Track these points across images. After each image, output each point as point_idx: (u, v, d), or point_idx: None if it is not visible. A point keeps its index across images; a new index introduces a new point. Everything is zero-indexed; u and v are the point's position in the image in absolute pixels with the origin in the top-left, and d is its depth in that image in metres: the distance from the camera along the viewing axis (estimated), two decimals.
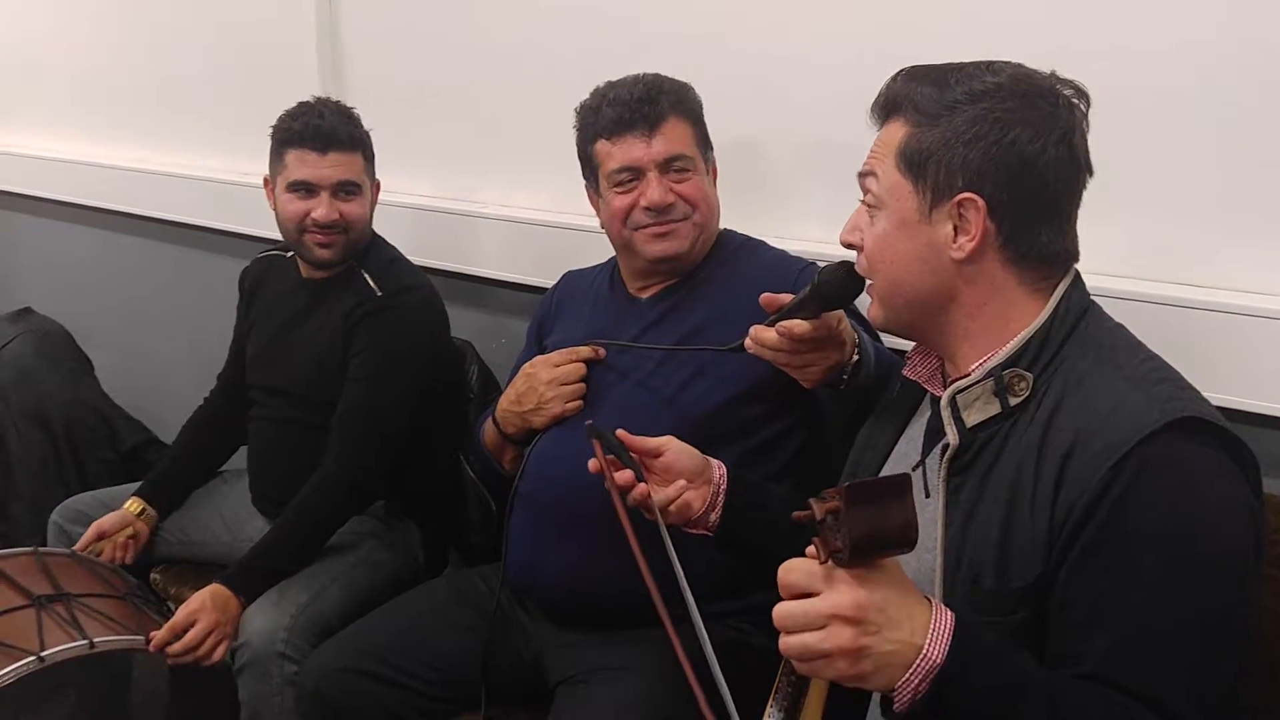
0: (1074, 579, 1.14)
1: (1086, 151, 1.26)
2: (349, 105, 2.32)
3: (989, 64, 1.25)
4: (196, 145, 3.36)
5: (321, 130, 2.22)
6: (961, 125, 1.22)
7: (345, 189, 2.24)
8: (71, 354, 3.45)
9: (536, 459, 1.89)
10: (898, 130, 1.27)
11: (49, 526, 2.46)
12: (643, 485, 1.47)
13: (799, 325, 1.47)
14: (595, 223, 1.97)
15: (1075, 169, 1.24)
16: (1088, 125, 1.26)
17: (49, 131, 3.97)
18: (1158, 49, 1.63)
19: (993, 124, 1.21)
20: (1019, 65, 1.26)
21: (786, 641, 1.09)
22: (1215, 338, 1.59)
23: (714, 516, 1.54)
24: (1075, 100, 1.24)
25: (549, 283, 2.18)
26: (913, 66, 1.29)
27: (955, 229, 1.24)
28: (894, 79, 1.30)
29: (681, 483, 1.51)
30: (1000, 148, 1.21)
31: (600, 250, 2.02)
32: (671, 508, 1.50)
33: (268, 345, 2.42)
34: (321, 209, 2.22)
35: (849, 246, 1.36)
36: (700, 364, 1.82)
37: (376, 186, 2.33)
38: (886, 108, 1.30)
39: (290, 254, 2.40)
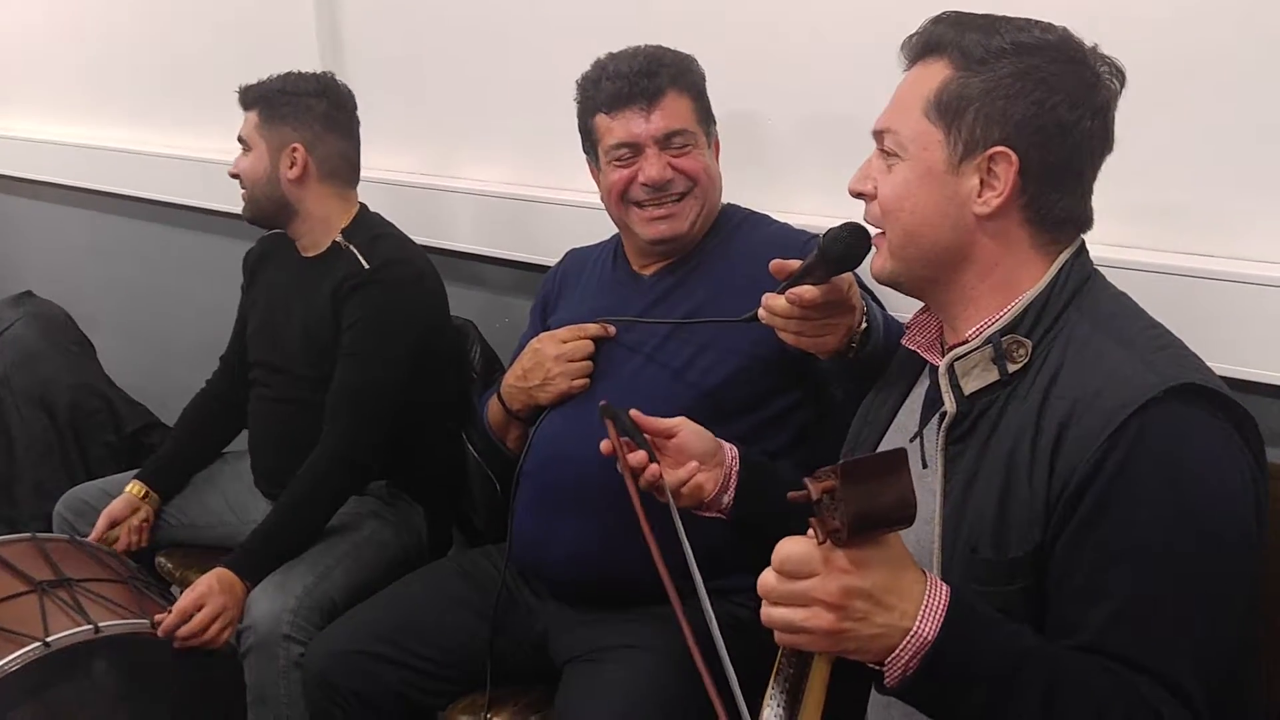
0: (1072, 549, 1.13)
1: (1113, 129, 1.25)
2: (335, 78, 2.37)
3: (1037, 21, 1.24)
4: (196, 126, 3.34)
5: (240, 93, 2.37)
6: (1006, 76, 1.20)
7: (242, 144, 2.37)
8: (73, 337, 3.44)
9: (542, 437, 1.88)
10: (936, 73, 1.24)
11: (54, 518, 2.46)
12: (655, 466, 1.46)
13: (809, 290, 1.45)
14: (599, 199, 1.95)
15: (1103, 144, 1.24)
16: (1117, 103, 1.25)
17: (47, 114, 3.96)
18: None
19: (1037, 83, 1.19)
20: (1067, 29, 1.24)
21: (768, 613, 1.09)
22: (1220, 306, 1.58)
23: (727, 498, 1.53)
24: (1111, 78, 1.23)
25: (552, 261, 2.17)
26: (956, 11, 1.27)
27: (981, 183, 1.22)
28: (936, 21, 1.27)
29: (694, 464, 1.50)
30: (1041, 108, 1.19)
31: (604, 226, 2.01)
32: (684, 490, 1.48)
33: (264, 323, 2.42)
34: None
35: (858, 196, 1.33)
36: (707, 337, 1.81)
37: (295, 151, 2.29)
38: (925, 48, 1.27)
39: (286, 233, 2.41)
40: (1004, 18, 1.24)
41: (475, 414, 2.16)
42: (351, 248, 2.27)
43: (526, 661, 1.87)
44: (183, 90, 3.38)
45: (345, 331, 2.22)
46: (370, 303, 2.21)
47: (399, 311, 2.22)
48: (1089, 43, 1.24)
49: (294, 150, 2.30)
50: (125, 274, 3.78)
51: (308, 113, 2.31)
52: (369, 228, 2.33)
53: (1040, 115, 1.19)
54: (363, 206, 2.37)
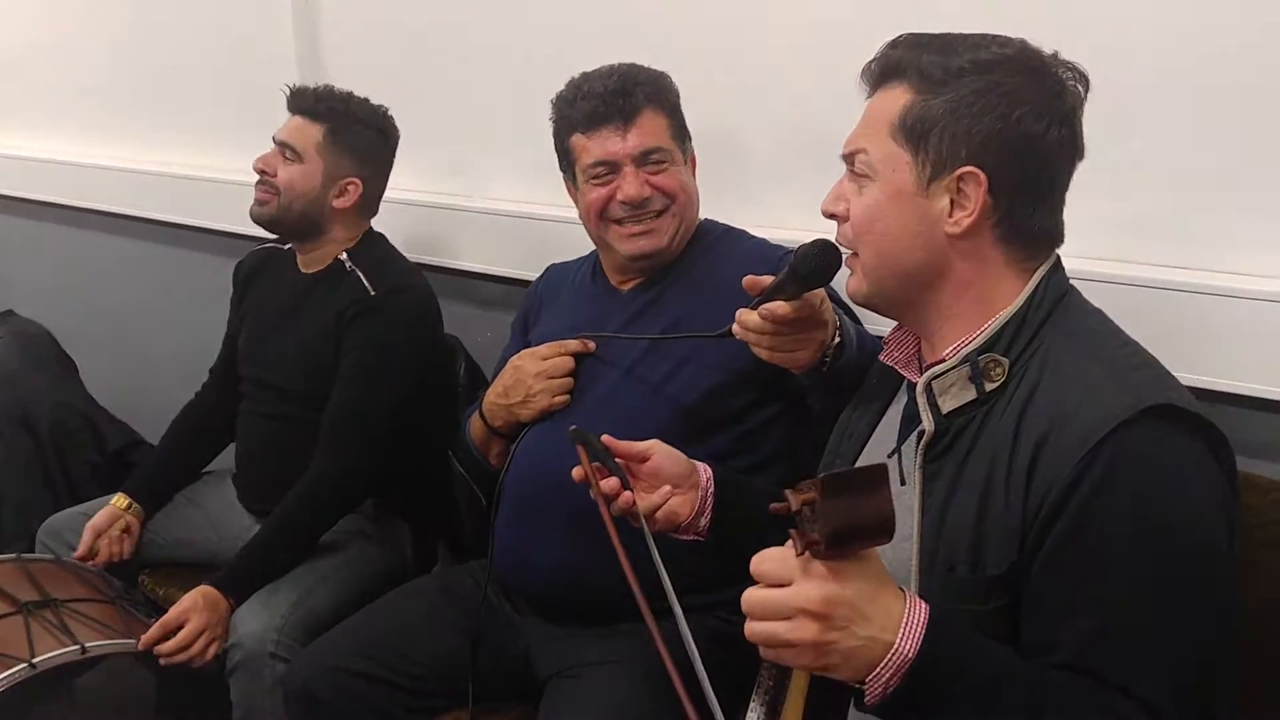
0: (1048, 567, 1.14)
1: (1082, 135, 1.25)
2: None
3: (994, 36, 1.23)
4: (177, 144, 3.34)
5: (299, 93, 2.32)
6: (968, 95, 1.20)
7: (287, 149, 2.29)
8: (55, 356, 3.43)
9: (523, 453, 1.88)
10: (898, 97, 1.24)
11: (36, 545, 2.45)
12: (628, 494, 1.45)
13: (781, 306, 1.46)
14: (577, 214, 1.96)
15: (1072, 152, 1.24)
16: (1083, 109, 1.25)
17: (27, 131, 3.94)
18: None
19: (1000, 97, 1.19)
20: (1024, 41, 1.24)
21: (752, 628, 1.08)
22: (1195, 319, 1.59)
23: (703, 521, 1.53)
24: (1075, 84, 1.23)
25: (533, 275, 2.18)
26: (913, 33, 1.27)
27: (952, 203, 1.22)
28: (893, 45, 1.27)
29: (667, 488, 1.49)
30: (1006, 123, 1.19)
31: (583, 241, 2.02)
32: (658, 514, 1.48)
33: (259, 338, 2.41)
34: (259, 157, 2.30)
35: (830, 217, 1.34)
36: (685, 352, 1.82)
37: (351, 184, 2.30)
38: (884, 74, 1.27)
39: (288, 247, 2.41)
40: (961, 36, 1.24)
41: (459, 429, 2.17)
42: (357, 271, 2.27)
43: (509, 677, 1.87)
44: (163, 107, 3.38)
45: (347, 355, 2.22)
46: (375, 329, 2.21)
47: (402, 339, 2.23)
48: (1049, 50, 1.24)
49: (351, 183, 2.30)
50: (107, 292, 3.77)
51: (370, 148, 2.32)
52: (375, 250, 2.34)
53: (1006, 130, 1.19)
54: (369, 227, 2.37)
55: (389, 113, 2.36)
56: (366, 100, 2.34)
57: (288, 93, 2.33)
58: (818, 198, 1.36)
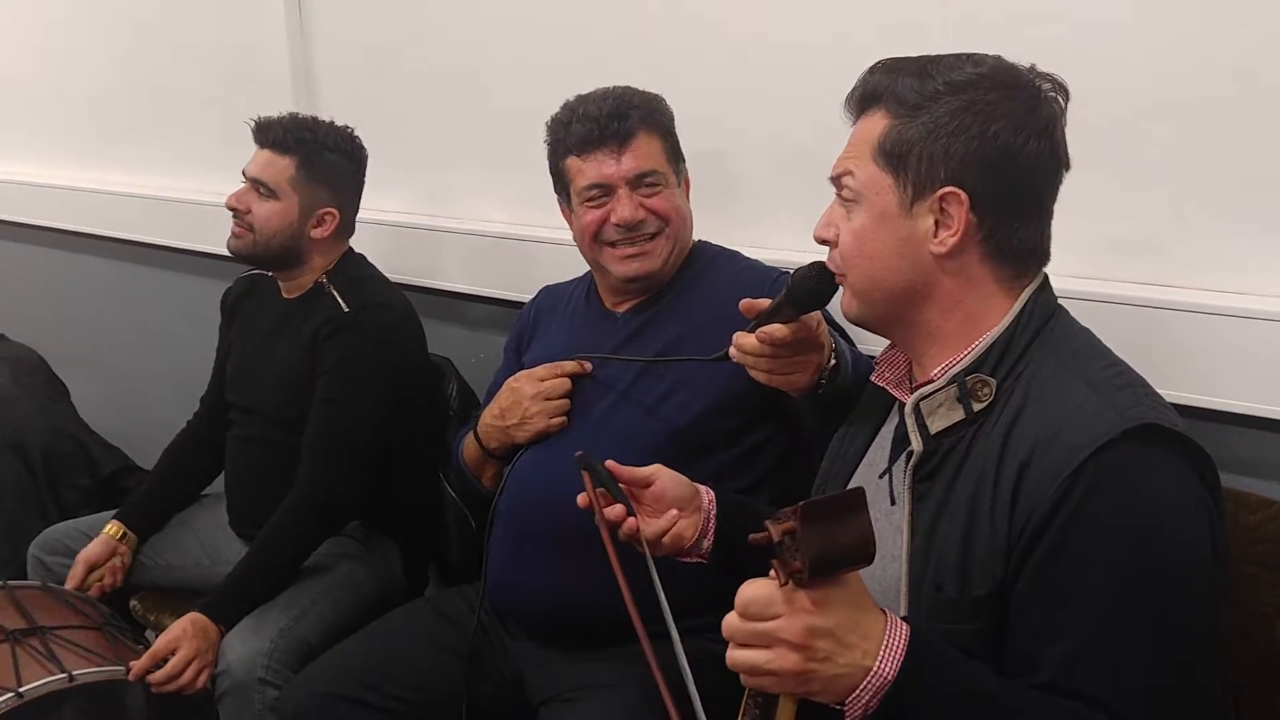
0: (1032, 586, 1.14)
1: (1065, 146, 1.25)
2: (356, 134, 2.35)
3: (969, 55, 1.25)
4: (169, 167, 3.34)
5: (265, 126, 2.28)
6: (943, 116, 1.21)
7: (258, 185, 2.27)
8: (46, 381, 3.43)
9: (518, 476, 1.88)
10: (877, 123, 1.25)
11: (28, 560, 2.44)
12: (633, 520, 1.45)
13: (778, 329, 1.47)
14: (570, 236, 1.96)
15: (1055, 163, 1.24)
16: (1064, 119, 1.25)
17: (18, 155, 3.94)
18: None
19: (974, 115, 1.20)
20: (999, 57, 1.25)
21: (733, 656, 1.09)
22: (1184, 337, 1.60)
23: (706, 543, 1.53)
24: (1054, 94, 1.24)
25: (526, 297, 2.18)
26: (891, 58, 1.28)
27: (936, 223, 1.23)
28: (871, 71, 1.29)
29: (673, 513, 1.49)
30: (982, 140, 1.20)
31: (576, 263, 2.02)
32: (664, 539, 1.48)
33: (243, 364, 2.41)
34: (232, 194, 2.27)
35: (822, 242, 1.35)
36: (679, 375, 1.82)
37: (328, 214, 2.29)
38: (864, 100, 1.29)
39: (271, 274, 2.40)
40: (936, 59, 1.25)
41: (451, 450, 2.16)
42: (333, 290, 2.27)
43: (503, 702, 1.86)
44: (156, 130, 3.38)
45: (321, 376, 2.21)
46: (348, 348, 2.20)
47: (376, 357, 2.21)
48: (1025, 64, 1.25)
49: (328, 213, 2.29)
50: (98, 316, 3.77)
51: (343, 175, 2.31)
52: (352, 270, 2.33)
53: (983, 147, 1.20)
54: (348, 248, 2.37)
55: (355, 133, 2.35)
56: (332, 124, 2.32)
57: (252, 126, 2.30)
58: (811, 220, 1.37)
